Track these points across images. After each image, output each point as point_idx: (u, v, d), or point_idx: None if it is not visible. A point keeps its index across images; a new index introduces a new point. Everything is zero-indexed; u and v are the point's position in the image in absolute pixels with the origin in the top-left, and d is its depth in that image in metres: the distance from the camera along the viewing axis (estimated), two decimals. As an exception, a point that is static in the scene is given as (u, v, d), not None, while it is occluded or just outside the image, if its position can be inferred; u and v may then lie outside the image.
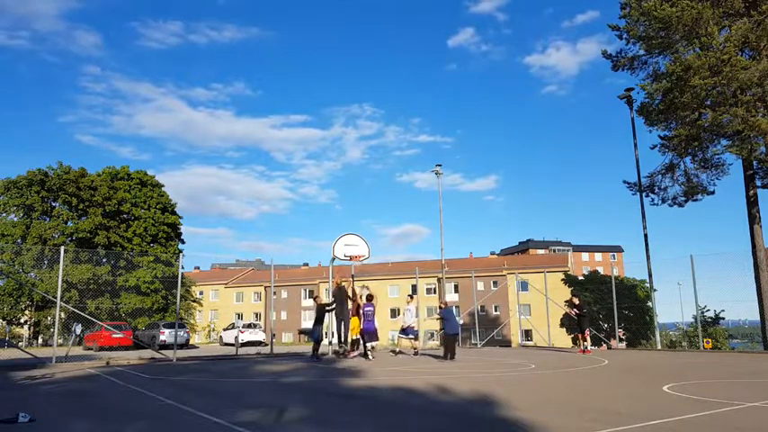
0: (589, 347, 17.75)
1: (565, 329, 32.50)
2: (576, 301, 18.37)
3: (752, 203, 20.61)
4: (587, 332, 17.60)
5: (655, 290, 21.11)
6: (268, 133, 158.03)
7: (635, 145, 22.47)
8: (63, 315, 32.01)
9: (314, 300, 16.91)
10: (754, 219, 20.50)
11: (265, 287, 74.15)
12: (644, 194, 22.23)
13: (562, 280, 34.42)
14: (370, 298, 16.04)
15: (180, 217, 43.13)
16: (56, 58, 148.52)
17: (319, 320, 15.99)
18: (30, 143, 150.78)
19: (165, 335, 26.15)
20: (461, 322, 32.90)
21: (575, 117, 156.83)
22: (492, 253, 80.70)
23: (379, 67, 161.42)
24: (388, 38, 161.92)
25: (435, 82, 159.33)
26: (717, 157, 21.30)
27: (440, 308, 15.84)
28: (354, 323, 16.19)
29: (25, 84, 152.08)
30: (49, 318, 36.06)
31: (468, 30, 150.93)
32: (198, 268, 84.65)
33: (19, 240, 37.46)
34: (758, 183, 20.99)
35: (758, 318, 20.28)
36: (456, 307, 54.54)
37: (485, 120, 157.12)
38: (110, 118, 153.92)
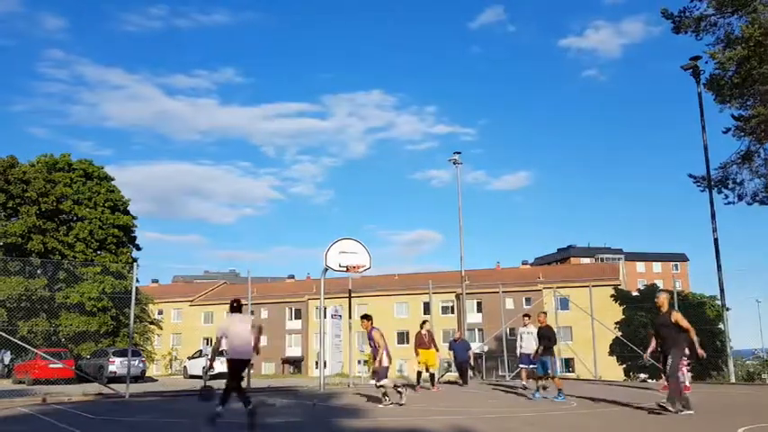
0: (687, 383, 13.62)
1: (615, 358, 32.44)
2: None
3: None
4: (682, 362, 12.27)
5: (728, 308, 21.09)
6: (257, 125, 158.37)
7: (703, 128, 21.94)
8: (-11, 340, 32.10)
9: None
10: None
11: (240, 305, 74.19)
12: (714, 190, 22.12)
13: (612, 296, 34.44)
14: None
15: (134, 217, 43.15)
16: (12, 41, 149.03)
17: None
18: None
19: (116, 365, 26.25)
20: (486, 349, 32.95)
21: (619, 104, 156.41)
22: (524, 262, 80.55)
23: (391, 49, 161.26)
24: (401, 16, 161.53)
25: (455, 66, 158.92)
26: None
27: (454, 340, 18.90)
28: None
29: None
30: (-29, 344, 36.17)
31: (494, 8, 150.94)
32: (157, 281, 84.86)
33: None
34: None
35: None
36: (479, 330, 54.87)
37: (512, 108, 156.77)
38: (69, 107, 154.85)
